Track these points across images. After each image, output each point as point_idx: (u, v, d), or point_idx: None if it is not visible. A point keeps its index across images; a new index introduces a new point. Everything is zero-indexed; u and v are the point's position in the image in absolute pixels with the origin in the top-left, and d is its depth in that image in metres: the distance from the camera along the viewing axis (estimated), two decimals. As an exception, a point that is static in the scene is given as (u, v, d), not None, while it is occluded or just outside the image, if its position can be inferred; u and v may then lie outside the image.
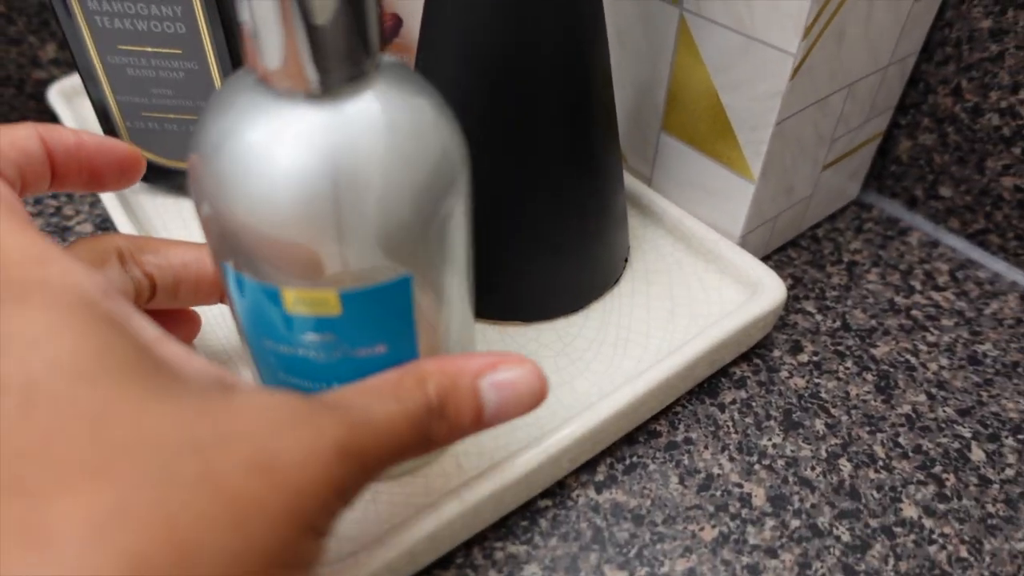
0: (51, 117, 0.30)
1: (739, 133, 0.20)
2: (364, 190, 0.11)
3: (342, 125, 0.11)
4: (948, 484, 0.18)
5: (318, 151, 0.11)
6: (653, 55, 0.22)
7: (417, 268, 0.12)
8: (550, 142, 0.18)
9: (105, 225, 0.25)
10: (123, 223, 0.23)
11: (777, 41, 0.18)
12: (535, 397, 0.13)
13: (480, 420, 0.13)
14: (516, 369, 0.13)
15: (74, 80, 0.29)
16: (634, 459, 0.19)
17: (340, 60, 0.10)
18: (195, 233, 0.24)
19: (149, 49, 0.21)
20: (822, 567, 0.17)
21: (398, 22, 0.24)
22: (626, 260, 0.22)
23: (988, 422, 0.20)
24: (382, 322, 0.13)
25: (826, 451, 0.19)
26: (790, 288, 0.23)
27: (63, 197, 0.27)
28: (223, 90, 0.12)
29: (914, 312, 0.23)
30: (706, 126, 0.21)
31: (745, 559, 0.17)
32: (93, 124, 0.28)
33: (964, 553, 0.17)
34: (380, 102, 0.11)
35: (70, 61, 0.30)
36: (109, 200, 0.24)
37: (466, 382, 0.12)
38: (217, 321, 0.21)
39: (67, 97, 0.29)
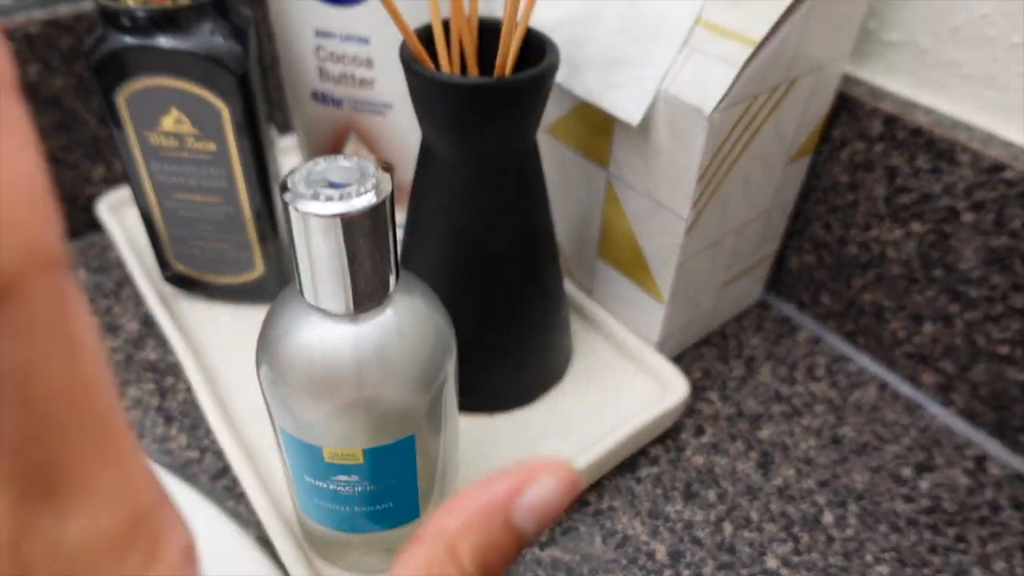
0: (98, 226, 0.36)
1: (652, 268, 0.27)
2: (383, 383, 0.17)
3: (367, 336, 0.17)
4: (802, 541, 0.25)
5: (349, 356, 0.17)
6: (590, 201, 0.28)
7: (420, 428, 0.18)
8: (509, 281, 0.24)
9: (148, 322, 0.31)
10: (165, 322, 0.29)
11: (675, 208, 0.25)
12: (570, 495, 0.12)
13: (521, 546, 0.12)
14: (544, 482, 0.12)
15: (117, 194, 0.35)
16: (569, 524, 0.25)
17: (367, 296, 0.17)
18: (220, 332, 0.30)
19: (198, 198, 0.27)
20: (704, 606, 0.23)
21: (387, 169, 0.30)
22: (568, 362, 0.29)
23: (839, 492, 0.26)
24: (393, 466, 0.19)
25: (714, 516, 0.25)
26: (699, 380, 0.30)
27: (112, 297, 0.32)
28: (279, 303, 0.18)
29: (794, 400, 0.29)
30: (628, 259, 0.28)
31: (648, 600, 0.23)
32: (134, 232, 0.34)
33: (809, 594, 0.23)
34: (395, 315, 0.17)
35: (114, 179, 0.35)
36: (153, 302, 0.30)
37: (498, 523, 0.12)
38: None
39: (113, 209, 0.35)
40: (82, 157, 0.34)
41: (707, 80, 0.22)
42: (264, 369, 0.18)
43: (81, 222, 0.35)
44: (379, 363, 0.17)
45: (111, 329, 0.31)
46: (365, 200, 0.15)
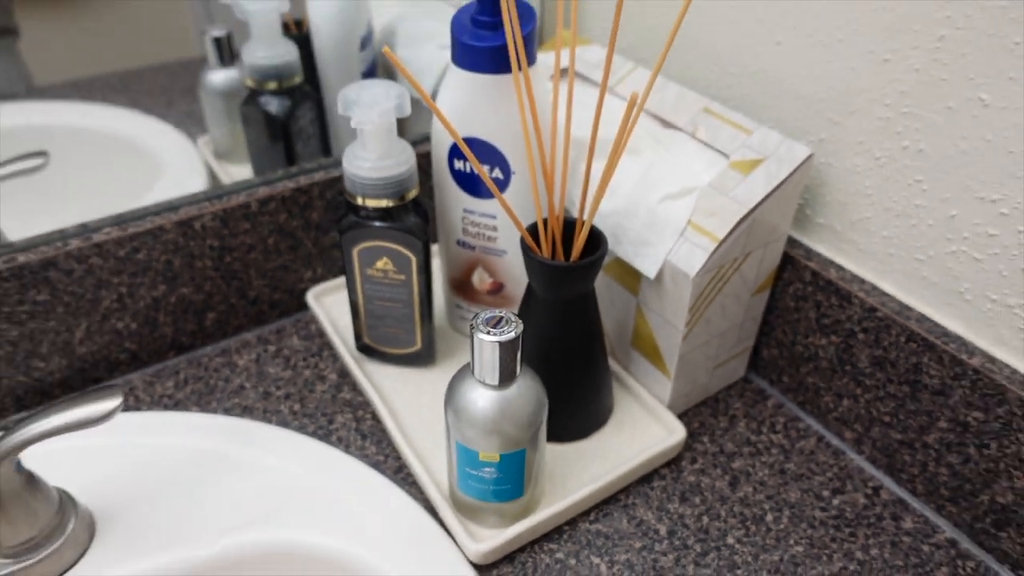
0: (306, 308, 0.54)
1: (664, 358, 0.43)
2: (514, 426, 0.34)
3: (504, 397, 0.34)
4: (751, 530, 0.40)
5: (493, 411, 0.34)
6: (627, 314, 0.45)
7: (528, 446, 0.35)
8: (576, 365, 0.41)
9: (344, 374, 0.49)
10: (358, 373, 0.46)
11: (676, 323, 0.41)
12: None
13: None
14: None
15: (319, 288, 0.53)
16: (606, 511, 0.41)
17: (506, 377, 0.34)
18: (393, 382, 0.47)
19: (388, 304, 0.45)
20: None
21: (500, 287, 0.47)
22: (611, 412, 0.45)
23: (779, 503, 0.41)
24: (513, 465, 0.35)
25: (697, 512, 0.41)
26: (695, 429, 0.46)
27: (317, 356, 0.50)
28: (459, 376, 0.35)
29: (759, 445, 0.45)
30: (650, 351, 0.44)
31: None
32: (332, 313, 0.52)
33: None
34: (518, 387, 0.34)
35: (316, 280, 0.54)
36: (349, 360, 0.47)
37: None
38: (413, 435, 0.44)
39: (316, 297, 0.53)
40: (300, 265, 0.53)
41: (692, 258, 0.38)
42: (450, 411, 0.35)
43: (294, 306, 0.54)
44: (510, 412, 0.34)
45: (319, 378, 0.49)
46: (511, 334, 0.32)
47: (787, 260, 0.44)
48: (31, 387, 0.45)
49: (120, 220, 0.45)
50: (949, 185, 0.36)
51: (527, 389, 0.35)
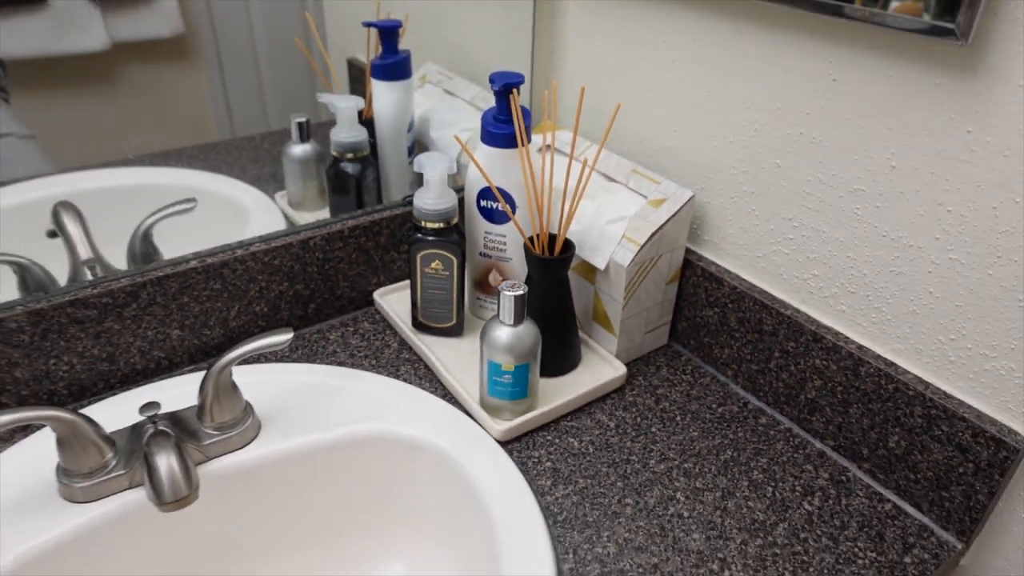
0: (372, 304, 0.79)
1: (612, 323, 0.69)
2: (522, 348, 0.59)
3: (516, 332, 0.59)
4: (661, 430, 0.65)
5: (511, 338, 0.59)
6: (588, 296, 0.71)
7: (530, 362, 0.60)
8: (557, 325, 0.66)
9: (403, 343, 0.73)
10: (414, 340, 0.71)
11: (617, 299, 0.67)
12: None
13: None
14: None
15: (382, 289, 0.78)
16: (574, 420, 0.65)
17: (518, 319, 0.59)
18: (437, 346, 0.72)
19: (435, 292, 0.70)
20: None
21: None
22: (580, 360, 0.70)
23: (685, 414, 0.66)
24: (522, 374, 0.60)
25: (632, 418, 0.66)
26: (634, 372, 0.71)
27: (382, 335, 0.75)
28: (490, 321, 0.60)
29: (673, 380, 0.70)
30: (602, 319, 0.70)
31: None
32: (394, 307, 0.76)
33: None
34: (526, 326, 0.59)
35: (380, 284, 0.79)
36: (408, 332, 0.72)
37: None
38: (453, 375, 0.69)
39: (380, 295, 0.78)
40: (370, 273, 0.78)
41: (625, 255, 0.65)
42: (484, 343, 0.60)
43: (364, 302, 0.79)
44: (520, 339, 0.59)
45: (386, 345, 0.73)
46: (520, 292, 0.58)
47: (687, 262, 0.70)
48: (199, 348, 0.69)
49: (264, 238, 0.70)
50: (767, 212, 0.63)
51: (529, 327, 0.60)
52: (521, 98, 0.62)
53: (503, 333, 0.59)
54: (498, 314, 0.59)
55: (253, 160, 0.78)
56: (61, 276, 0.65)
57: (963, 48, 0.46)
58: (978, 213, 0.48)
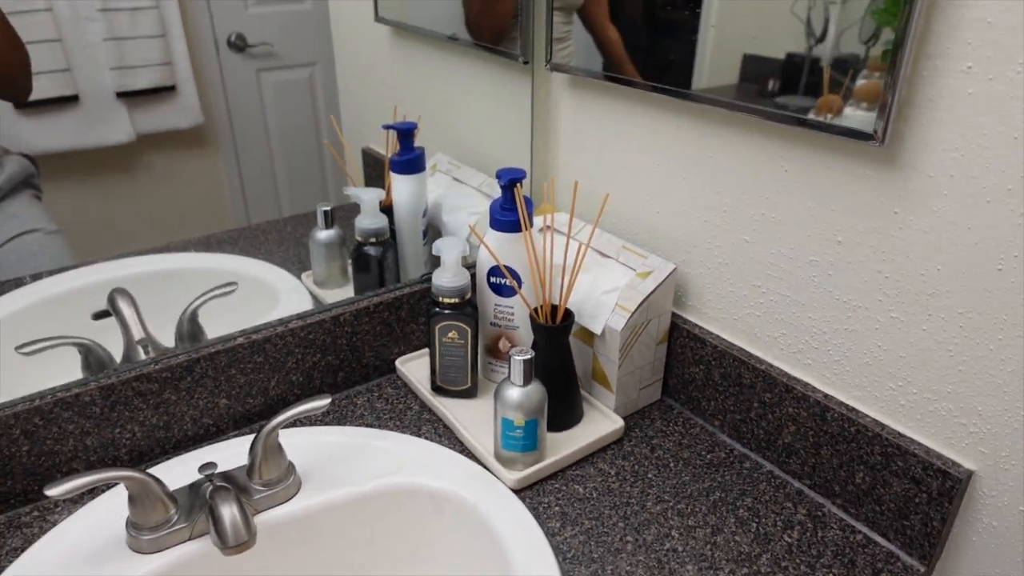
0: (395, 371, 0.87)
1: (609, 381, 0.77)
2: (531, 406, 0.68)
3: (526, 392, 0.68)
4: (657, 476, 0.73)
5: (520, 397, 0.68)
6: (587, 358, 0.80)
7: (539, 417, 0.69)
8: (561, 385, 0.75)
9: (423, 406, 0.82)
10: (434, 403, 0.79)
11: (613, 360, 0.76)
12: None
13: None
14: None
15: (404, 358, 0.87)
16: (579, 470, 0.73)
17: (527, 380, 0.67)
18: (454, 408, 0.80)
19: (451, 359, 0.79)
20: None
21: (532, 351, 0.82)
22: (582, 415, 0.78)
23: (678, 461, 0.74)
24: (531, 429, 0.69)
25: (629, 468, 0.74)
26: (631, 425, 0.79)
27: (404, 399, 0.83)
28: (503, 382, 0.69)
29: (666, 431, 0.78)
30: (601, 378, 0.78)
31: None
32: (414, 374, 0.85)
33: None
34: (534, 386, 0.68)
35: (400, 352, 0.88)
36: (427, 395, 0.80)
37: None
38: (469, 433, 0.77)
39: (402, 363, 0.87)
40: (392, 344, 0.87)
41: (619, 321, 0.74)
42: (498, 402, 0.68)
43: (387, 369, 0.87)
44: (529, 398, 0.68)
45: (408, 408, 0.82)
46: (528, 356, 0.67)
47: (673, 324, 0.79)
48: (243, 415, 0.78)
49: (301, 316, 0.80)
50: (740, 280, 0.73)
51: (537, 386, 0.69)
52: (522, 185, 0.72)
53: (514, 393, 0.68)
54: (509, 376, 0.68)
55: (278, 243, 0.88)
56: (113, 354, 0.75)
57: (882, 148, 0.56)
58: (909, 278, 0.58)
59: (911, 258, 0.57)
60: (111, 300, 0.77)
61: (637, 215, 0.82)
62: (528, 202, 0.75)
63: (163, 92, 0.79)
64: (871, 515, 0.65)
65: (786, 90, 0.59)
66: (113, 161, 0.74)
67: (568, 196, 0.91)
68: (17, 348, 0.71)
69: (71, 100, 0.71)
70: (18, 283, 0.69)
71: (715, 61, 0.64)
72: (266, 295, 0.87)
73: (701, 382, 0.78)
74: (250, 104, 0.83)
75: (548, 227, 0.84)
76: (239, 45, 0.82)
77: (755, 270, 0.70)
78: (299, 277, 0.89)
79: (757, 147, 0.66)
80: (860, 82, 0.54)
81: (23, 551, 0.62)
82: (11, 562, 0.61)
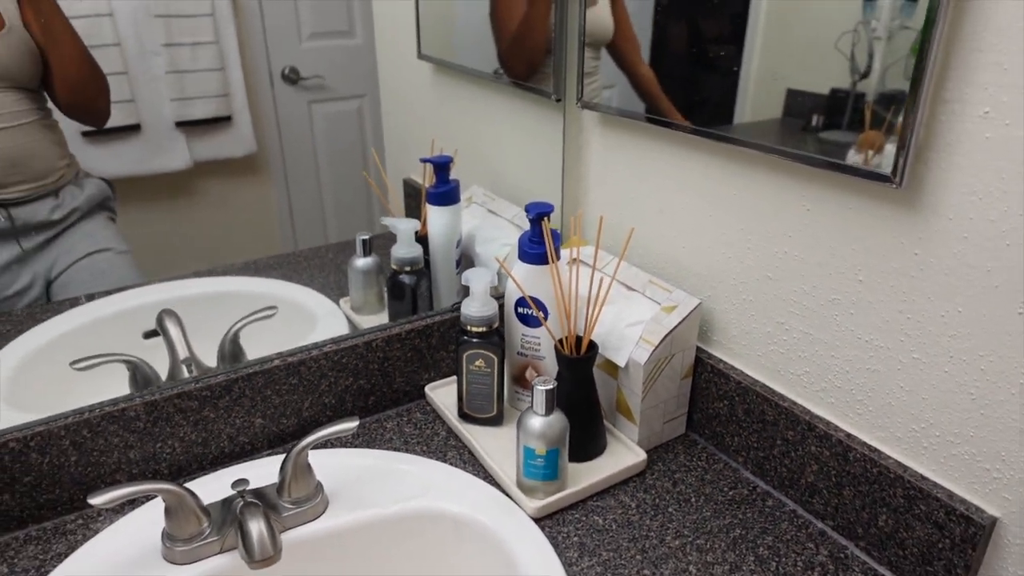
0: (424, 397, 0.90)
1: (633, 414, 0.78)
2: (553, 435, 0.69)
3: (547, 421, 0.69)
4: (676, 513, 0.73)
5: (543, 427, 0.69)
6: (611, 390, 0.81)
7: (560, 447, 0.70)
8: (584, 416, 0.76)
9: (450, 431, 0.84)
10: (460, 429, 0.81)
11: (636, 393, 0.77)
12: None
13: None
14: None
15: (433, 384, 0.89)
16: (600, 501, 0.74)
17: (549, 409, 0.69)
18: (479, 435, 0.82)
19: (479, 386, 0.81)
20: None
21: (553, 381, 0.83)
22: (606, 446, 0.79)
23: (699, 496, 0.74)
24: (552, 458, 0.70)
25: (650, 501, 0.74)
26: (654, 458, 0.79)
27: (431, 424, 0.85)
28: (525, 412, 0.70)
29: (689, 466, 0.78)
30: (625, 411, 0.79)
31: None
32: (442, 400, 0.87)
33: None
34: (555, 416, 0.69)
35: (430, 379, 0.90)
36: (454, 422, 0.82)
37: None
38: (493, 460, 0.79)
39: (431, 389, 0.89)
40: (422, 370, 0.89)
41: (642, 354, 0.75)
42: (520, 431, 0.70)
43: (416, 395, 0.90)
44: (551, 427, 0.69)
45: (435, 434, 0.84)
46: (551, 386, 0.68)
47: (698, 359, 0.80)
48: (277, 435, 0.81)
49: (335, 340, 0.83)
50: (763, 317, 0.73)
51: (559, 416, 0.70)
52: (552, 218, 0.74)
53: (536, 422, 0.69)
54: (532, 405, 0.70)
55: (319, 269, 0.92)
56: (159, 372, 0.79)
57: (900, 191, 0.57)
58: (930, 320, 0.58)
59: (932, 299, 0.57)
60: (159, 320, 0.81)
61: (664, 250, 0.83)
62: (556, 235, 0.77)
63: (220, 122, 0.84)
64: (895, 559, 0.64)
65: (830, 125, 0.59)
66: (171, 187, 0.79)
67: (595, 229, 0.93)
68: (72, 364, 0.76)
69: (134, 129, 0.76)
70: (73, 303, 0.73)
71: (758, 96, 0.65)
72: (305, 319, 0.90)
73: (725, 417, 0.78)
74: (301, 134, 0.88)
75: (576, 260, 0.86)
76: (292, 78, 0.87)
77: (778, 307, 0.71)
78: (337, 303, 0.92)
79: (780, 186, 0.67)
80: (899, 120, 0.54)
81: (67, 556, 0.66)
82: (55, 567, 0.65)
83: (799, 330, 0.69)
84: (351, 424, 0.68)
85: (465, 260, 0.99)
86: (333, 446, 0.81)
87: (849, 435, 0.66)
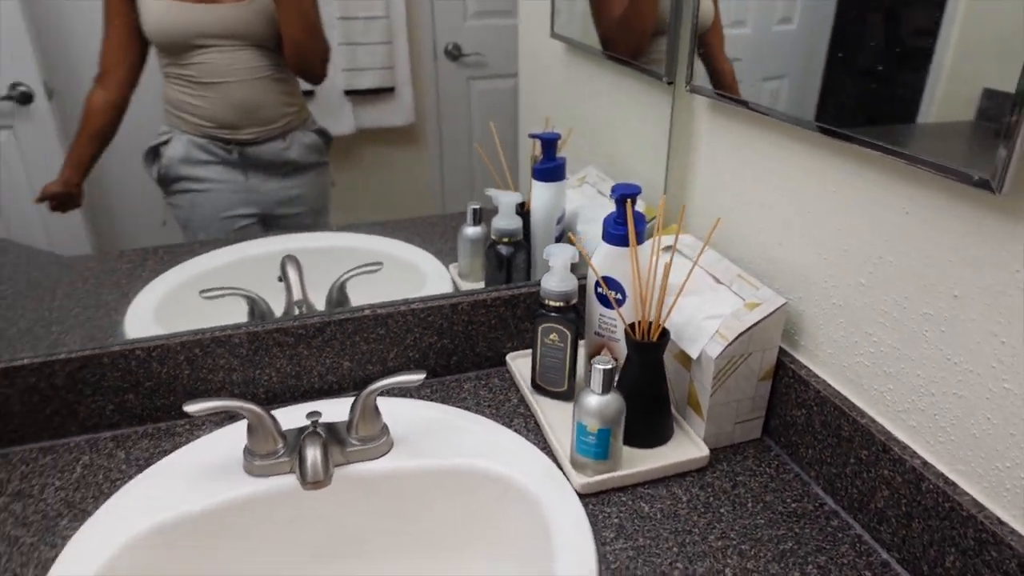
0: (504, 364, 0.93)
1: (702, 408, 0.76)
2: (606, 415, 0.69)
3: (603, 401, 0.69)
4: (727, 513, 0.70)
5: (598, 405, 0.69)
6: (683, 382, 0.79)
7: (613, 427, 0.70)
8: (649, 399, 0.75)
9: (521, 399, 0.86)
10: (531, 398, 0.83)
11: (706, 385, 0.74)
12: None
13: None
14: None
15: (513, 354, 0.92)
16: (655, 488, 0.73)
17: (606, 389, 0.69)
18: (547, 406, 0.83)
19: (552, 359, 0.82)
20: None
21: (615, 359, 0.83)
22: (671, 435, 0.78)
23: (757, 503, 0.71)
24: (604, 438, 0.70)
25: (704, 496, 0.72)
26: (719, 457, 0.77)
27: (507, 391, 0.88)
28: (582, 390, 0.71)
29: (755, 471, 0.75)
30: (695, 405, 0.77)
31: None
32: (519, 368, 0.89)
33: None
34: (611, 396, 0.69)
35: (512, 348, 0.93)
36: (527, 391, 0.84)
37: None
38: (555, 433, 0.80)
39: (512, 359, 0.91)
40: (505, 338, 0.92)
41: (715, 348, 0.72)
42: (576, 407, 0.70)
43: (497, 361, 0.93)
44: (605, 407, 0.69)
45: (507, 400, 0.86)
46: (609, 366, 0.68)
47: (780, 362, 0.76)
48: (362, 378, 0.87)
49: (423, 299, 0.87)
50: (852, 325, 0.68)
51: (616, 397, 0.70)
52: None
53: (592, 400, 0.70)
54: (589, 383, 0.70)
55: (442, 235, 0.97)
56: (278, 311, 0.87)
57: (1003, 198, 0.50)
58: (1027, 347, 0.51)
59: (1031, 324, 0.51)
60: (282, 265, 0.90)
61: (758, 243, 0.79)
62: (640, 218, 0.76)
63: (384, 92, 0.91)
64: (958, 605, 0.58)
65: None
66: (336, 150, 0.87)
67: (698, 218, 0.90)
68: (201, 292, 0.86)
69: (308, 95, 0.85)
70: (240, 236, 0.83)
71: (949, 95, 0.53)
72: (416, 280, 0.96)
73: (801, 427, 0.74)
74: (459, 108, 0.93)
75: (672, 247, 0.84)
76: (455, 54, 0.92)
77: (868, 316, 0.66)
78: (447, 267, 0.97)
79: (880, 186, 0.62)
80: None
81: (169, 453, 0.76)
82: (159, 460, 0.75)
83: (887, 343, 0.64)
84: (418, 376, 0.72)
85: (567, 238, 1.00)
86: (411, 397, 0.86)
87: (925, 463, 0.60)
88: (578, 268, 0.82)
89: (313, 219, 0.87)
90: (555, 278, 0.79)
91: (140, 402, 0.80)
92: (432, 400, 0.86)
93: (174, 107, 0.76)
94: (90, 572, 0.61)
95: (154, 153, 0.77)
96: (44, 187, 0.74)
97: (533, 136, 0.93)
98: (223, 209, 0.81)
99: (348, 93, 0.87)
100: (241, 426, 0.78)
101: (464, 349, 0.90)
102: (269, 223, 0.84)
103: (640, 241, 0.76)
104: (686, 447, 0.77)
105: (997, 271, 0.53)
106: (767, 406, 0.79)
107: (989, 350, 0.54)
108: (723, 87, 0.78)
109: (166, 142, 0.77)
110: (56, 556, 0.64)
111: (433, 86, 0.93)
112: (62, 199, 0.75)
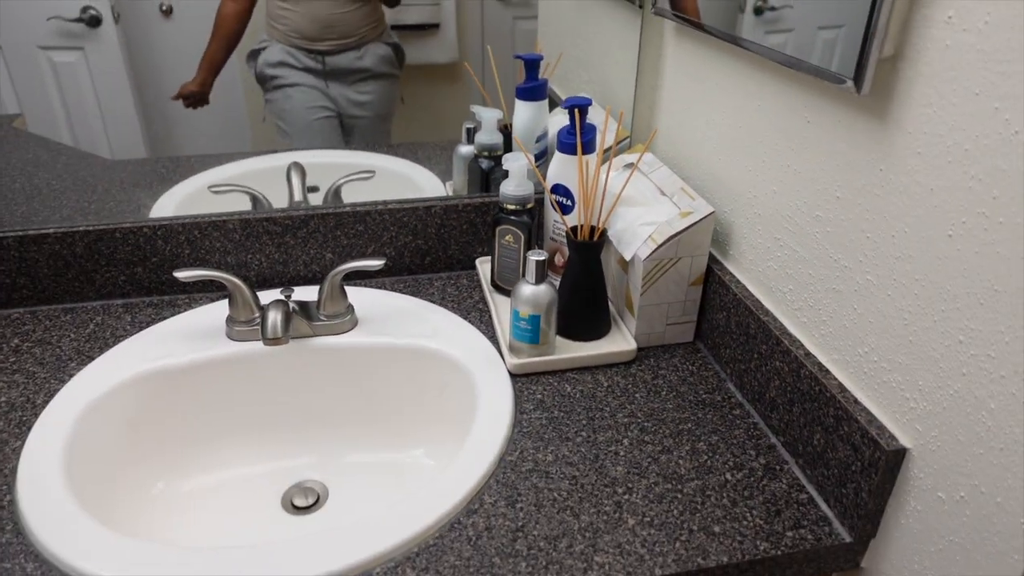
0: (473, 267, 1.01)
1: (634, 307, 0.83)
2: (537, 302, 0.77)
3: (535, 290, 0.77)
4: (641, 398, 0.78)
5: (530, 293, 0.77)
6: (621, 284, 0.85)
7: (543, 315, 0.77)
8: (588, 298, 0.82)
9: (483, 299, 0.94)
10: (489, 296, 0.91)
11: (637, 285, 0.81)
12: None
13: None
14: None
15: (482, 258, 1.00)
16: (585, 375, 0.81)
17: (539, 279, 0.76)
18: (500, 303, 0.91)
19: (508, 259, 0.90)
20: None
21: (558, 260, 0.90)
22: (607, 331, 0.85)
23: (672, 393, 0.78)
24: (535, 322, 0.78)
25: (624, 383, 0.79)
26: (648, 354, 0.83)
27: (469, 289, 0.96)
28: (519, 283, 0.78)
29: (678, 367, 0.81)
30: (629, 305, 0.84)
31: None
32: (484, 270, 0.98)
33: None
34: (544, 287, 0.77)
35: (480, 253, 1.01)
36: (488, 291, 0.93)
37: None
38: (504, 325, 0.88)
39: (479, 263, 1.00)
40: (475, 243, 1.00)
41: (645, 251, 0.79)
42: (513, 295, 0.78)
43: (467, 264, 1.01)
44: (535, 297, 0.77)
45: (469, 297, 0.94)
46: (542, 258, 0.76)
47: (710, 268, 0.82)
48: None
49: (400, 201, 0.96)
50: (765, 231, 0.73)
51: (547, 289, 0.77)
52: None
53: (526, 289, 0.77)
54: (523, 275, 0.78)
55: (450, 158, 1.05)
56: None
57: (870, 99, 0.55)
58: (885, 241, 0.56)
59: (887, 219, 0.56)
60: (288, 170, 1.00)
61: (706, 160, 0.84)
62: (591, 128, 0.82)
63: (428, 28, 0.98)
64: (821, 479, 0.64)
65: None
66: None
67: (662, 138, 0.95)
68: (209, 187, 0.97)
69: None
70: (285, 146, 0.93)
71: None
72: (413, 192, 1.04)
73: (723, 329, 0.80)
74: (503, 47, 0.98)
75: (634, 164, 0.90)
76: None
77: (777, 223, 0.71)
78: (444, 184, 1.05)
79: (791, 96, 0.66)
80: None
81: (169, 319, 0.88)
82: (159, 323, 0.87)
83: (790, 247, 0.69)
84: (377, 262, 0.81)
85: (549, 157, 1.06)
86: (380, 288, 0.95)
87: (808, 354, 0.66)
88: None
89: (379, 124, 0.98)
90: (512, 183, 0.86)
91: (147, 275, 0.91)
92: (401, 292, 0.95)
93: (272, 18, 0.88)
94: (84, 401, 0.73)
95: (255, 56, 0.89)
96: (181, 86, 0.88)
97: (517, 57, 0.99)
98: (308, 103, 0.94)
99: (394, 28, 0.95)
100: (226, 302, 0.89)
101: (437, 251, 0.99)
102: (344, 122, 0.96)
103: (588, 151, 0.82)
104: (617, 342, 0.84)
105: (868, 172, 0.57)
106: (699, 310, 0.85)
107: (858, 246, 0.59)
108: (680, 9, 0.82)
109: (264, 47, 0.89)
110: (61, 389, 0.76)
111: (479, 24, 0.98)
112: (196, 97, 0.88)
